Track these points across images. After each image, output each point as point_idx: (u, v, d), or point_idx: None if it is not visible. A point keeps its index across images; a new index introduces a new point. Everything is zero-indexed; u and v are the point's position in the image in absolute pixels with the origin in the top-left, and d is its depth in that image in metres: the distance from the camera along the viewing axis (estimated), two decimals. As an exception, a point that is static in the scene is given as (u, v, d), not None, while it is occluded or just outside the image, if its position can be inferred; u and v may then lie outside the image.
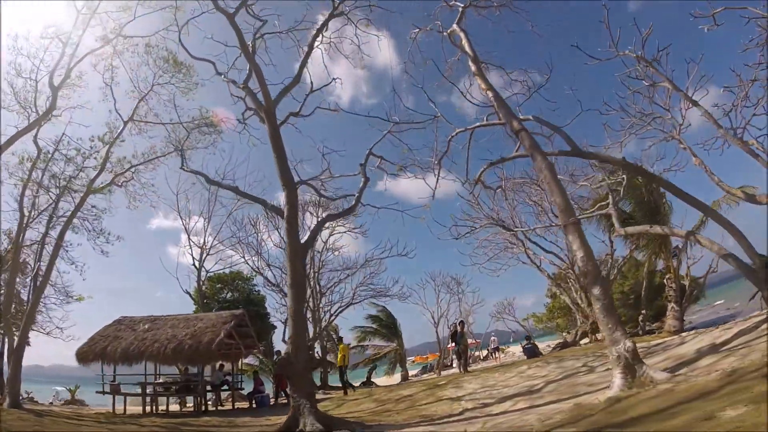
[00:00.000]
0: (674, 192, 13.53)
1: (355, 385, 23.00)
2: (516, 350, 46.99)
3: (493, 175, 19.81)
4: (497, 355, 40.38)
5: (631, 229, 15.83)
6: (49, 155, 20.91)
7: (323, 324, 30.02)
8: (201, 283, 30.07)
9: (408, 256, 28.02)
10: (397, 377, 39.20)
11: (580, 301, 26.00)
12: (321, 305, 30.21)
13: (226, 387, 22.08)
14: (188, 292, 29.93)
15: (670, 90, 15.06)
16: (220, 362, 23.26)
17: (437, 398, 13.48)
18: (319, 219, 28.77)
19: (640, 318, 24.49)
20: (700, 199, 13.21)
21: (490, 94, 13.38)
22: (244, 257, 29.28)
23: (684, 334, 18.81)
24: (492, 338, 43.62)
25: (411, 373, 43.56)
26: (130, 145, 22.00)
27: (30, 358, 20.62)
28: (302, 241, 13.23)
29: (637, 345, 9.71)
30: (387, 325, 40.60)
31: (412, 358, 59.36)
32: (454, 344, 24.14)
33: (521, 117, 13.34)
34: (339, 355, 21.23)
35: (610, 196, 17.63)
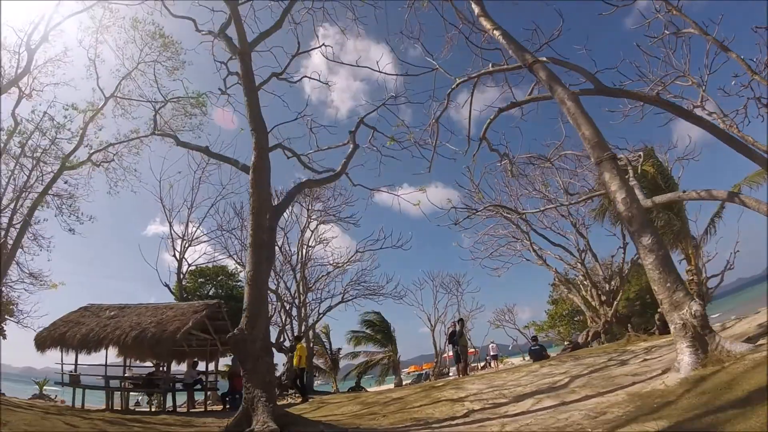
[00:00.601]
0: (717, 133, 10.91)
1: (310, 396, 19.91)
2: (516, 361, 44.16)
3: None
4: (496, 364, 37.60)
5: (660, 198, 12.95)
6: (27, 130, 19.49)
7: (310, 322, 27.06)
8: (181, 276, 27.27)
9: (403, 248, 25.16)
10: (389, 386, 36.27)
11: (591, 300, 23.22)
12: (308, 301, 27.27)
13: (199, 387, 19.21)
14: (167, 285, 27.08)
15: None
16: (195, 359, 20.51)
17: (434, 400, 10.66)
18: (309, 209, 26.71)
19: (656, 317, 21.74)
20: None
21: (497, 33, 10.85)
22: (226, 249, 26.48)
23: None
24: (491, 344, 40.59)
25: (405, 382, 40.72)
26: (113, 127, 20.57)
27: (23, 360, 18.79)
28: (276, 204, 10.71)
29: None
30: (381, 330, 37.86)
31: (407, 369, 56.38)
32: (452, 346, 21.32)
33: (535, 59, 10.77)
34: (295, 356, 18.40)
35: (629, 169, 14.98)
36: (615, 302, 21.79)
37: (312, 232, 27.46)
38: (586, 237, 23.56)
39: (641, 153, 16.66)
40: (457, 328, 20.75)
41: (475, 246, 26.99)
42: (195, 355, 21.12)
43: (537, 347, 21.01)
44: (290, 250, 27.13)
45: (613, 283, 22.74)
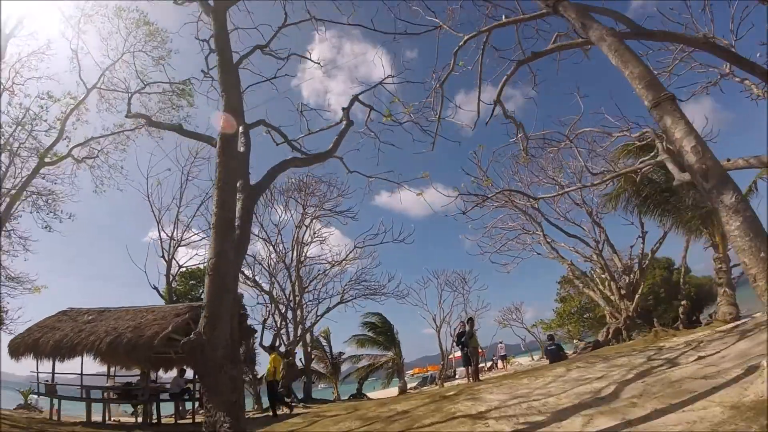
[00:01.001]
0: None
1: (291, 404, 17.89)
2: (523, 361, 42.12)
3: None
4: (504, 365, 35.61)
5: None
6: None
7: (306, 325, 24.97)
8: (171, 278, 25.32)
9: (405, 242, 23.23)
10: (393, 390, 34.16)
11: (610, 294, 21.21)
12: (304, 302, 25.21)
13: (187, 397, 17.38)
14: (156, 288, 25.08)
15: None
16: (183, 367, 18.68)
17: (447, 415, 8.64)
18: (304, 204, 24.79)
19: (680, 310, 19.85)
20: None
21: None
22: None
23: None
24: (500, 345, 38.64)
25: (409, 385, 38.70)
26: (99, 122, 19.23)
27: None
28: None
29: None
30: (383, 332, 35.81)
31: (410, 372, 54.31)
32: (461, 348, 19.32)
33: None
34: (269, 367, 16.39)
35: (657, 143, 13.05)
36: (636, 296, 19.83)
37: (307, 227, 25.45)
38: (602, 227, 21.63)
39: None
40: (467, 328, 18.77)
41: (482, 240, 25.04)
42: (183, 362, 19.28)
43: (554, 346, 19.03)
44: (284, 248, 25.14)
45: (632, 275, 20.73)
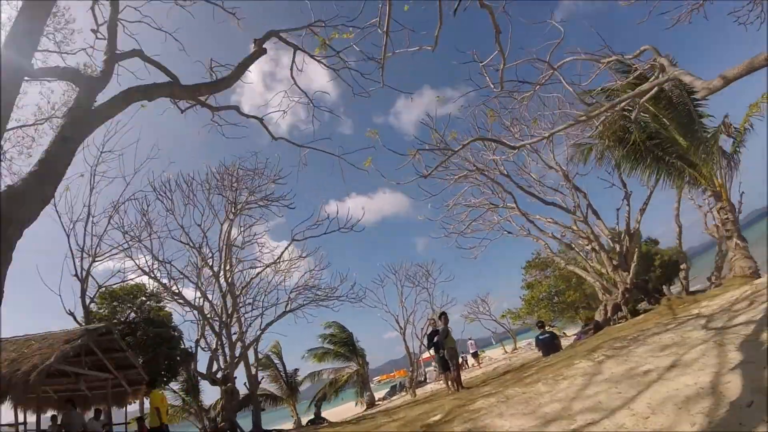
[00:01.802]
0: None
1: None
2: (495, 354, 38.87)
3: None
4: (477, 362, 32.29)
5: (732, 72, 7.64)
6: None
7: (246, 341, 20.50)
8: (87, 299, 20.47)
9: (354, 230, 19.33)
10: (358, 410, 30.19)
11: (600, 267, 18.08)
12: (242, 315, 20.81)
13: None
14: (72, 314, 20.01)
15: None
16: (99, 407, 14.84)
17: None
18: (231, 199, 20.55)
19: (682, 275, 16.98)
20: None
21: None
22: (133, 259, 19.87)
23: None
24: (469, 341, 35.17)
25: (377, 396, 34.78)
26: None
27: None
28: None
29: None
30: (343, 342, 31.85)
31: (377, 378, 50.29)
32: (433, 350, 15.51)
33: None
34: (150, 412, 12.44)
35: (662, 60, 9.86)
36: (632, 264, 16.79)
37: (234, 218, 20.92)
38: (582, 191, 18.51)
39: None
40: (440, 325, 15.06)
41: (444, 222, 21.54)
42: (98, 400, 16.36)
43: (547, 335, 15.59)
44: (211, 251, 20.79)
45: (622, 242, 17.71)
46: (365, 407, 29.22)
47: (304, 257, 22.43)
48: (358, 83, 8.95)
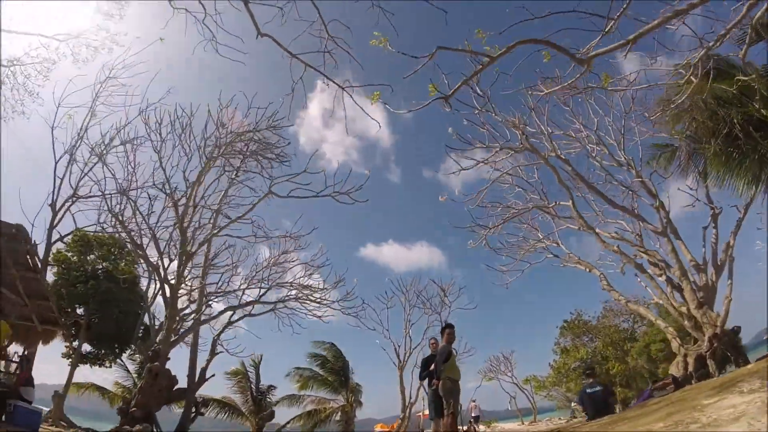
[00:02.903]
0: None
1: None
2: (510, 427, 32.31)
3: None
4: (476, 428, 26.31)
5: None
6: None
7: (202, 319, 15.85)
8: (56, 234, 17.52)
9: (350, 197, 14.32)
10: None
11: (677, 305, 12.79)
12: (206, 287, 16.23)
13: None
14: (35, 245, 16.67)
15: None
16: None
17: None
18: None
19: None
20: None
21: None
22: (118, 217, 15.94)
23: None
24: (472, 403, 28.78)
25: (362, 446, 29.22)
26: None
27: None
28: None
29: None
30: (334, 370, 26.80)
31: (376, 427, 44.01)
32: (428, 382, 10.43)
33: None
34: None
35: None
36: (727, 301, 11.62)
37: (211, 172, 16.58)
38: (660, 199, 13.52)
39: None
40: (440, 343, 10.27)
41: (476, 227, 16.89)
42: None
43: (597, 388, 10.42)
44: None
45: (707, 274, 12.60)
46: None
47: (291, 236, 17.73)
48: None
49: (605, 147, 14.17)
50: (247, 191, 16.47)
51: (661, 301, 13.46)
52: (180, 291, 15.14)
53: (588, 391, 10.24)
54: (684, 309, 12.07)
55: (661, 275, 12.97)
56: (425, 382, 10.33)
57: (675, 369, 11.70)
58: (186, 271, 14.90)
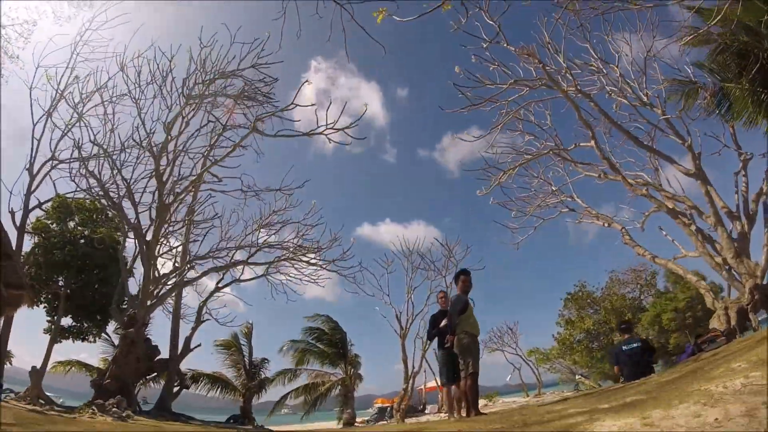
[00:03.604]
0: None
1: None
2: (518, 400, 30.84)
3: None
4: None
5: None
6: None
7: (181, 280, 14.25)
8: (34, 200, 15.64)
9: (346, 133, 12.19)
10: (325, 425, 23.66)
11: (710, 254, 11.31)
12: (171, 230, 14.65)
13: None
14: (12, 213, 14.69)
15: None
16: None
17: None
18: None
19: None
20: None
21: None
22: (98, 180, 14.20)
23: None
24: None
25: (361, 420, 28.05)
26: None
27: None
28: None
29: None
30: (331, 343, 25.55)
31: (376, 401, 43.02)
32: (438, 343, 8.89)
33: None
34: None
35: None
36: (766, 251, 10.32)
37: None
38: (686, 138, 12.05)
39: None
40: (451, 295, 8.79)
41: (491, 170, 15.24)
42: None
43: (635, 344, 8.99)
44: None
45: (741, 222, 11.25)
46: (343, 425, 22.87)
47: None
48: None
49: (628, 84, 12.68)
50: (232, 140, 14.81)
51: (690, 255, 12.17)
52: (163, 253, 13.79)
53: (624, 348, 8.82)
54: (719, 259, 10.75)
55: (690, 224, 11.63)
56: (435, 343, 8.91)
57: (717, 323, 10.38)
58: (168, 229, 13.46)
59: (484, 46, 11.50)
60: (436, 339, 8.45)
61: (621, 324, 10.30)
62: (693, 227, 11.63)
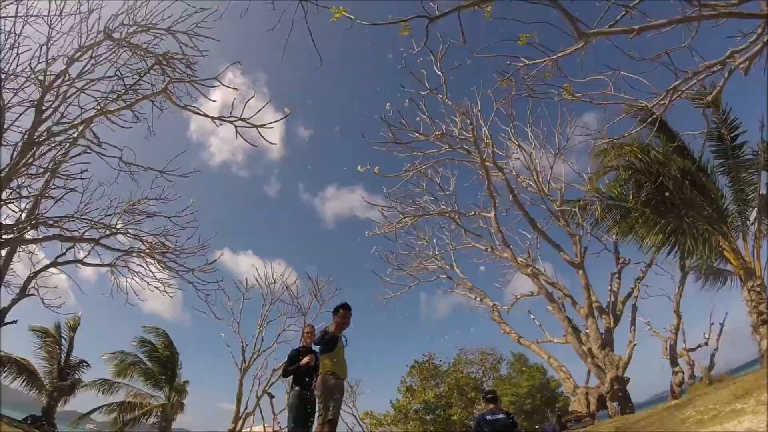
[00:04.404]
0: None
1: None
2: None
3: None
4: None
5: None
6: None
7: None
8: None
9: (259, 132, 10.71)
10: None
11: (579, 343, 11.91)
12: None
13: None
14: None
15: None
16: None
17: None
18: None
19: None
20: None
21: None
22: None
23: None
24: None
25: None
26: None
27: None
28: None
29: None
30: (160, 361, 22.55)
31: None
32: (292, 381, 7.26)
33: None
34: None
35: None
36: (632, 345, 11.22)
37: None
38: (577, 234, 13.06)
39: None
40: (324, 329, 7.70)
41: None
42: None
43: (500, 416, 8.28)
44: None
45: (608, 318, 12.23)
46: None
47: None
48: None
49: (537, 174, 13.58)
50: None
51: (555, 341, 12.89)
52: (10, 201, 11.18)
53: (489, 417, 8.44)
54: (586, 348, 11.44)
55: (560, 313, 12.39)
56: (288, 382, 7.77)
57: (578, 406, 10.88)
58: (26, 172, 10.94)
59: (423, 94, 11.62)
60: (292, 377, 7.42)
61: (487, 393, 10.17)
62: (562, 315, 12.41)
